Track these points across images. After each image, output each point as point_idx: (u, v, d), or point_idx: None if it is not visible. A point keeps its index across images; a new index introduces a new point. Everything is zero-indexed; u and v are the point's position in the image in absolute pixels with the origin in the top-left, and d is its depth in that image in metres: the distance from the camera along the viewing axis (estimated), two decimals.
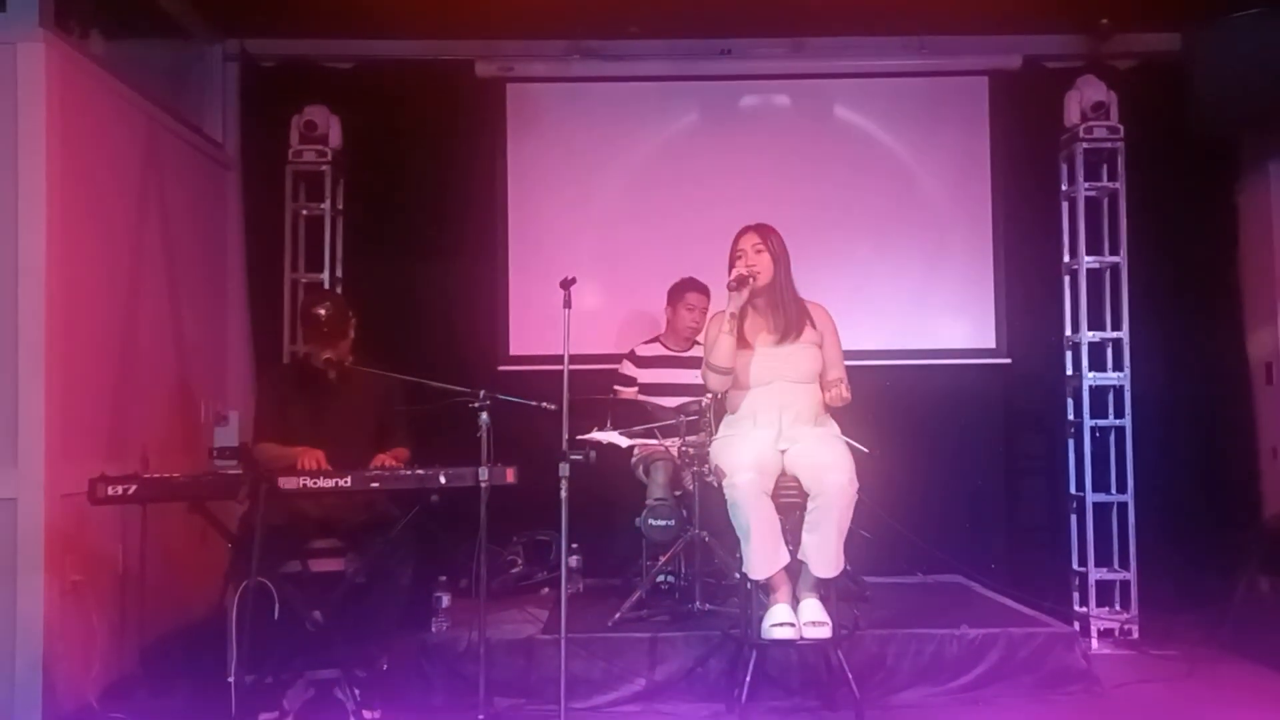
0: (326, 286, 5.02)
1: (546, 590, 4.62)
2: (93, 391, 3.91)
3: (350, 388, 3.73)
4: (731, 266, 3.66)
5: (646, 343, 4.88)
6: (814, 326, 3.67)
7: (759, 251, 3.63)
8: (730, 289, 3.57)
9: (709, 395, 4.01)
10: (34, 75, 3.61)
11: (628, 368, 4.81)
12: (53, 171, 3.64)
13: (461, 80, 5.24)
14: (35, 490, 3.53)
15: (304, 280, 5.07)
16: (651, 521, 4.15)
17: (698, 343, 4.76)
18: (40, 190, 3.61)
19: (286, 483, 3.25)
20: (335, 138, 5.05)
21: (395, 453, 3.69)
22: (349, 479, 3.32)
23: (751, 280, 3.56)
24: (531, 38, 5.28)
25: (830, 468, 3.37)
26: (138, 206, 4.33)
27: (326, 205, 5.07)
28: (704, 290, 4.75)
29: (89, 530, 3.73)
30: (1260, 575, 4.37)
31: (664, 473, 4.32)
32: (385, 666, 3.61)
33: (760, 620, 3.40)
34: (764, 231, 3.67)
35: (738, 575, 3.60)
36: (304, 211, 5.11)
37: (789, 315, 3.64)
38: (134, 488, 3.20)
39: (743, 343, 3.61)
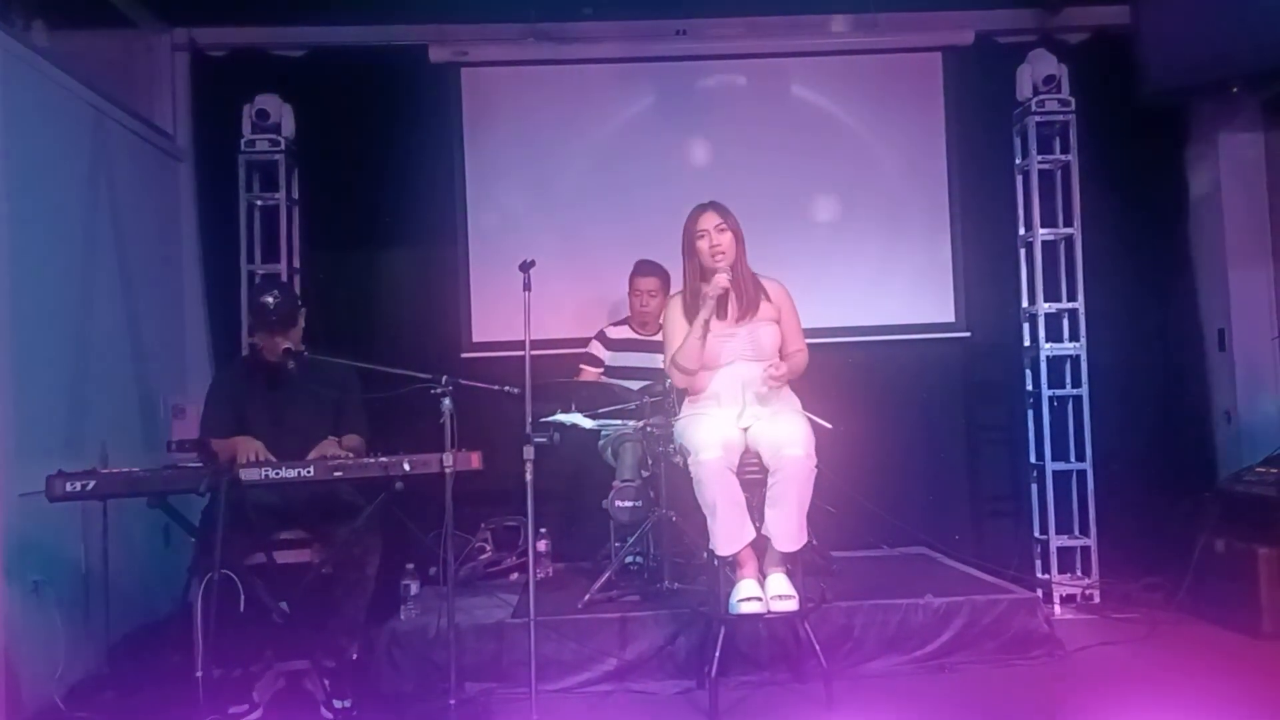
0: (284, 278, 4.97)
1: (516, 576, 4.62)
2: (47, 388, 3.85)
3: (309, 378, 3.69)
4: (690, 247, 3.65)
5: (616, 324, 4.88)
6: (770, 301, 3.68)
7: (722, 230, 3.61)
8: (709, 296, 3.51)
9: (669, 380, 4.02)
10: None
11: (596, 348, 4.81)
12: None
13: (415, 66, 5.19)
14: None
15: (260, 271, 5.01)
16: (618, 503, 4.17)
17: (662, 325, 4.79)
18: None
19: (248, 475, 3.22)
20: (288, 126, 5.00)
21: (344, 440, 3.66)
22: (311, 469, 3.29)
23: (729, 275, 3.54)
24: (485, 21, 5.25)
25: (788, 443, 3.38)
26: (87, 199, 4.27)
27: (281, 195, 5.02)
28: (651, 273, 4.71)
29: (49, 529, 3.69)
30: (1215, 537, 4.45)
31: (633, 453, 4.33)
32: (355, 656, 3.59)
33: (728, 596, 3.42)
34: (722, 209, 3.66)
35: (705, 553, 3.62)
36: (259, 202, 5.05)
37: (746, 294, 3.65)
38: (93, 484, 3.14)
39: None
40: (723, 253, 3.59)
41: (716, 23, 5.38)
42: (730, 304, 3.64)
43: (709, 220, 3.63)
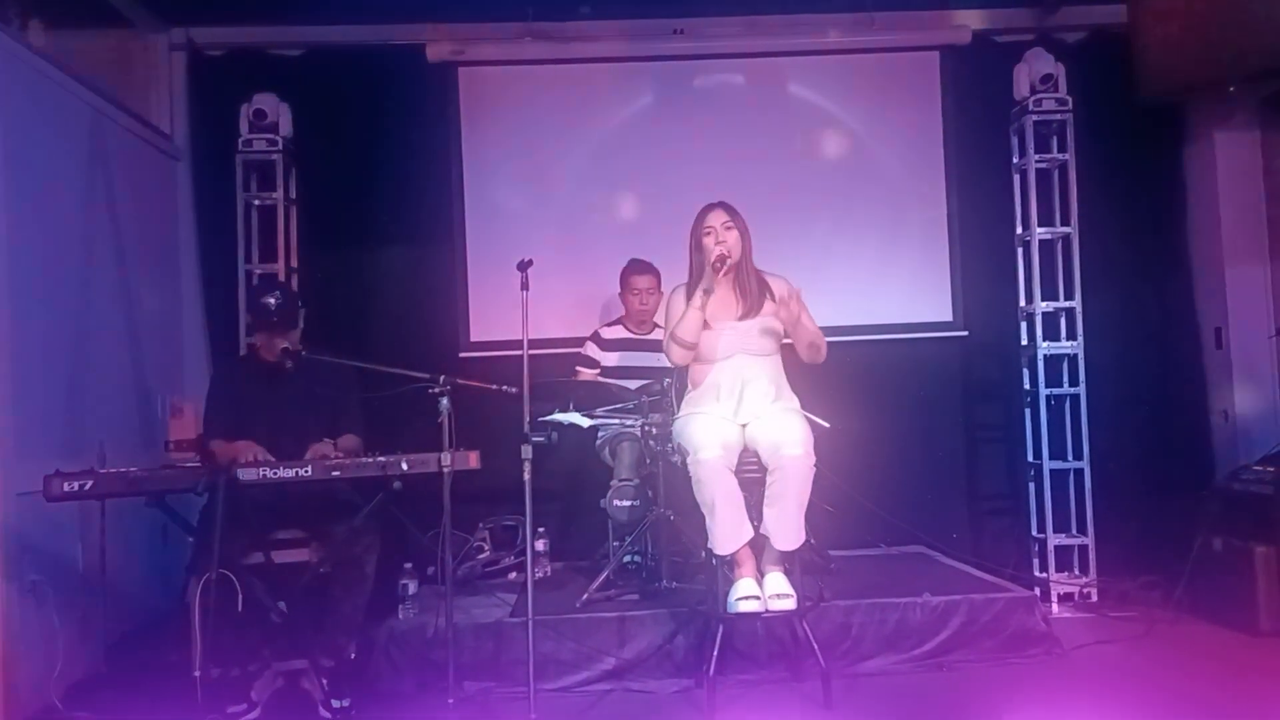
0: (281, 277, 4.97)
1: (515, 575, 4.61)
2: (45, 388, 3.85)
3: (306, 377, 3.69)
4: (697, 244, 3.67)
5: (609, 325, 4.88)
6: (773, 299, 3.69)
7: (728, 228, 3.65)
8: (716, 271, 3.55)
9: (667, 379, 4.02)
10: None
11: (591, 349, 4.80)
12: None
13: (413, 65, 5.18)
14: None
15: (258, 271, 5.02)
16: (616, 503, 4.18)
17: (657, 324, 4.77)
18: None
19: (246, 474, 3.22)
20: (286, 126, 5.00)
21: (341, 440, 3.65)
22: (310, 469, 3.29)
23: (730, 259, 3.57)
24: (483, 20, 5.26)
25: (787, 442, 3.39)
26: (85, 199, 4.26)
27: (279, 194, 5.02)
28: (647, 270, 4.71)
29: (47, 528, 3.68)
30: (1213, 536, 4.46)
31: (631, 453, 4.33)
32: (353, 655, 3.60)
33: (726, 595, 3.42)
34: (730, 208, 3.70)
35: (703, 552, 3.63)
36: (256, 201, 5.05)
37: (750, 291, 3.67)
38: (90, 483, 3.14)
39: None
40: (728, 249, 3.60)
41: (714, 21, 5.38)
42: (735, 299, 3.66)
43: (717, 218, 3.66)
